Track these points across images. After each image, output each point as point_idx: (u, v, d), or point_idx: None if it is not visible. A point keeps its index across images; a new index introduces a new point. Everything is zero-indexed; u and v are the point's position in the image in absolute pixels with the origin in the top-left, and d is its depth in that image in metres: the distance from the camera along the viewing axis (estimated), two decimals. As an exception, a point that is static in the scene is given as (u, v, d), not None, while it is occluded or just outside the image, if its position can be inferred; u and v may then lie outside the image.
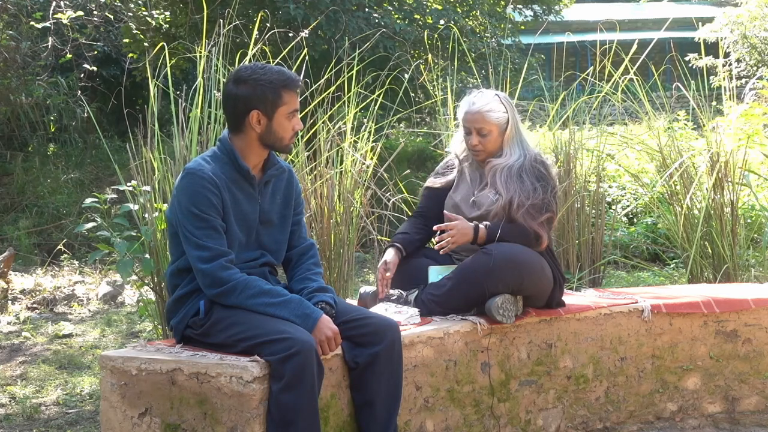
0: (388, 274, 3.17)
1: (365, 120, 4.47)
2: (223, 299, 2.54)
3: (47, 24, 8.42)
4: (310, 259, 2.81)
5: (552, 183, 3.21)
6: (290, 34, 5.38)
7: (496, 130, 3.23)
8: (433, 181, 3.42)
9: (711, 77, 6.34)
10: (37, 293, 6.54)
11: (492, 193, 3.20)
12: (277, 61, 4.28)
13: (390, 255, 3.21)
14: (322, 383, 2.46)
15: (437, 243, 3.10)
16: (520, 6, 14.21)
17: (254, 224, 2.68)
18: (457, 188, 3.35)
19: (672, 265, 6.28)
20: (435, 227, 3.15)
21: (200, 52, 4.10)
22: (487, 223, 3.13)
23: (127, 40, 10.14)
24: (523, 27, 13.83)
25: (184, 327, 2.64)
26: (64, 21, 8.23)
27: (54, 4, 8.53)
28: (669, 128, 5.47)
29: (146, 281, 3.94)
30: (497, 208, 3.15)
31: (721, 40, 6.52)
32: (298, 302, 2.54)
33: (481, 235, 3.09)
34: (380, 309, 3.02)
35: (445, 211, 3.22)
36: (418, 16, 10.35)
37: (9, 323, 5.73)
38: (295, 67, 4.26)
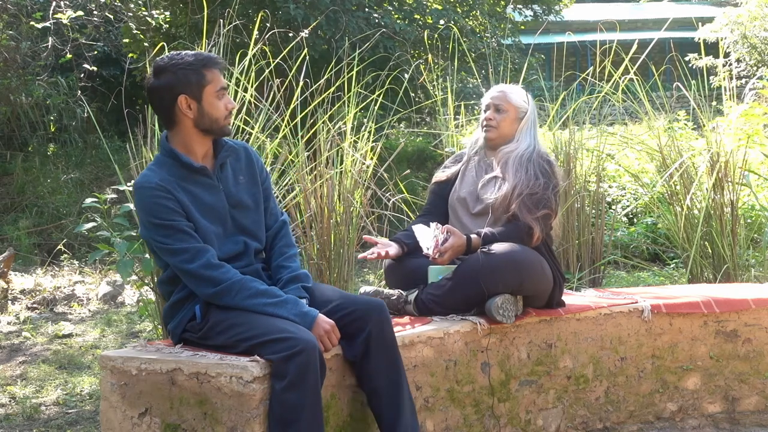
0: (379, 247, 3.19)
1: (365, 120, 4.46)
2: (218, 299, 2.51)
3: (47, 24, 8.43)
4: (282, 239, 2.75)
5: (554, 181, 3.24)
6: (290, 34, 5.38)
7: (513, 113, 3.32)
8: (440, 175, 3.47)
9: (711, 77, 6.34)
10: (37, 293, 6.54)
11: (496, 184, 3.23)
12: (277, 61, 4.29)
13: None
14: (323, 382, 2.46)
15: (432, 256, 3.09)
16: (520, 6, 14.22)
17: (225, 211, 2.63)
18: (463, 181, 3.38)
19: (672, 265, 6.28)
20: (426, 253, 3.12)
21: (200, 52, 4.09)
22: (481, 231, 3.14)
23: (127, 40, 10.15)
24: (523, 27, 13.84)
25: (181, 331, 2.62)
26: (64, 21, 8.24)
27: (54, 4, 8.53)
28: (669, 128, 5.47)
29: (146, 281, 3.94)
30: (501, 197, 3.18)
31: (721, 40, 6.52)
32: (294, 302, 2.53)
33: (476, 243, 3.10)
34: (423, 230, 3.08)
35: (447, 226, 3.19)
36: (418, 16, 10.36)
37: (9, 323, 5.73)
38: (295, 67, 4.27)
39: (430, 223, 3.12)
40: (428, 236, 3.08)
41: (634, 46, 5.23)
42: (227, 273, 2.51)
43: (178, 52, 2.59)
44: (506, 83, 3.56)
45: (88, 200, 3.87)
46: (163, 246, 2.51)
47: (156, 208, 2.50)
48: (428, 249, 3.05)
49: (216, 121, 2.58)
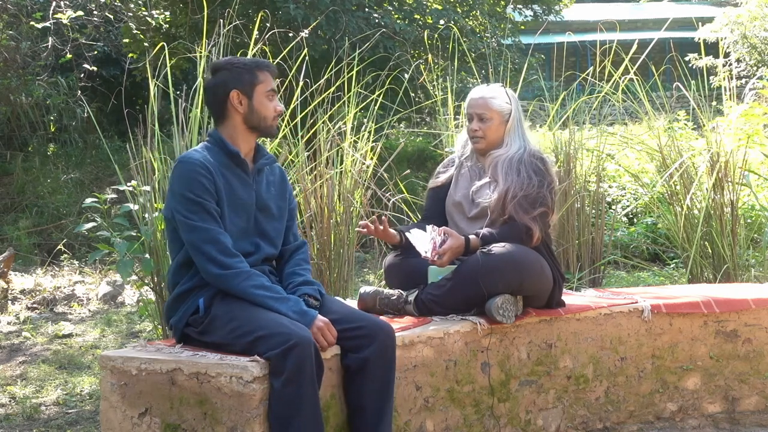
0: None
1: (365, 120, 4.47)
2: (223, 282, 2.55)
3: (47, 24, 8.42)
4: (300, 255, 2.84)
5: (549, 179, 3.22)
6: (290, 34, 5.38)
7: (497, 118, 3.27)
8: (435, 181, 3.45)
9: (711, 77, 6.34)
10: (37, 293, 6.54)
11: (491, 187, 3.21)
12: (276, 61, 4.29)
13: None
14: (322, 380, 2.46)
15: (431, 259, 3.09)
16: (520, 6, 14.21)
17: (251, 209, 2.71)
18: (457, 185, 3.36)
19: (672, 265, 6.28)
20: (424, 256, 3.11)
21: (200, 52, 4.10)
22: (479, 231, 3.14)
23: (127, 40, 10.14)
24: (523, 27, 13.83)
25: (183, 325, 2.64)
26: (64, 21, 8.23)
27: (54, 4, 8.53)
28: (669, 128, 5.47)
29: (146, 281, 3.94)
30: (495, 201, 3.17)
31: (721, 40, 6.52)
32: (296, 301, 2.57)
33: (474, 244, 3.09)
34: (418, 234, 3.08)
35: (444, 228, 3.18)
36: (418, 16, 10.36)
37: (9, 323, 5.73)
38: (295, 67, 4.27)
39: (426, 226, 3.12)
40: (425, 240, 3.07)
41: (634, 46, 5.23)
42: (240, 262, 2.57)
43: (236, 56, 2.79)
44: (495, 83, 3.50)
45: (88, 200, 3.87)
46: (186, 221, 2.57)
47: (193, 183, 2.58)
48: (426, 252, 3.05)
49: (264, 120, 2.71)
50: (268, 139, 2.85)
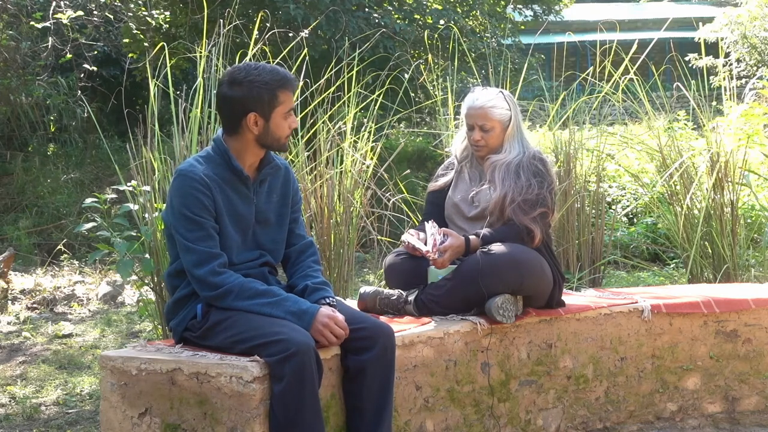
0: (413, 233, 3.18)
1: (365, 120, 4.47)
2: (218, 302, 2.53)
3: (47, 24, 8.43)
4: (311, 256, 2.79)
5: (549, 179, 3.22)
6: (290, 34, 5.38)
7: (498, 127, 3.25)
8: (434, 184, 3.45)
9: (711, 77, 6.34)
10: (37, 293, 6.54)
11: (490, 190, 3.21)
12: (277, 61, 4.29)
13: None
14: (321, 381, 2.46)
15: (432, 260, 3.08)
16: (520, 6, 14.22)
17: (250, 224, 2.67)
18: (456, 187, 3.36)
19: (672, 265, 6.28)
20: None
21: (200, 52, 4.10)
22: (479, 231, 3.14)
23: (127, 40, 10.15)
24: (523, 27, 13.84)
25: (182, 329, 2.63)
26: (64, 21, 8.24)
27: (54, 4, 8.54)
28: (669, 128, 5.47)
29: (146, 281, 3.94)
30: (492, 205, 3.17)
31: (721, 40, 6.52)
32: (294, 301, 2.53)
33: (474, 244, 3.09)
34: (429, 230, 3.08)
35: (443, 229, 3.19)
36: (418, 16, 10.37)
37: (9, 323, 5.73)
38: (295, 67, 4.27)
39: (425, 223, 3.11)
40: (424, 239, 3.08)
41: (634, 46, 5.23)
42: (228, 278, 2.53)
43: (256, 65, 2.58)
44: (492, 86, 3.48)
45: (88, 200, 3.86)
46: (183, 240, 2.53)
47: (191, 200, 2.52)
48: (427, 250, 3.05)
49: (278, 140, 2.63)
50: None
